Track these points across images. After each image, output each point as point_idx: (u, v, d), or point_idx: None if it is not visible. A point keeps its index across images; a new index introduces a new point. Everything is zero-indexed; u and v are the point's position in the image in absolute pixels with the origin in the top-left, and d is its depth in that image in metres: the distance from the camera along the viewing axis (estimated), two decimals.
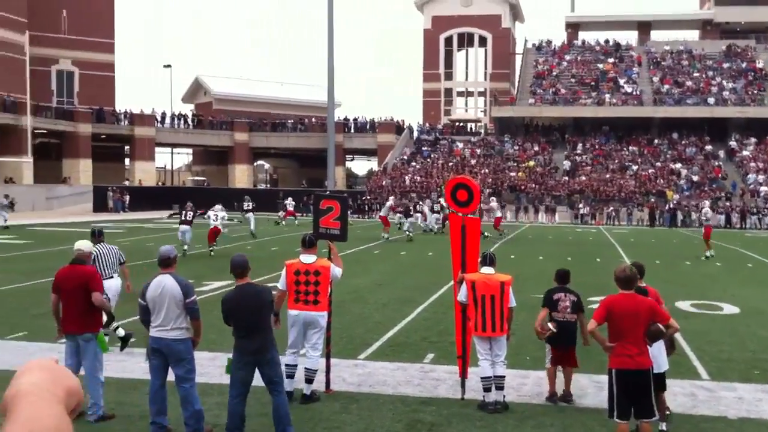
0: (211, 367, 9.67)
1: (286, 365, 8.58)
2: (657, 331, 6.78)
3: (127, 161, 73.21)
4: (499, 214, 35.41)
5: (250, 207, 33.82)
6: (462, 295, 8.55)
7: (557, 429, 7.86)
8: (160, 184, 73.85)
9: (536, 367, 10.16)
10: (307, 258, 8.62)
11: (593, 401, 8.74)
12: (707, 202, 40.39)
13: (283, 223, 42.21)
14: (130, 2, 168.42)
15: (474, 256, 8.90)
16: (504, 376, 8.45)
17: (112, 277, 11.00)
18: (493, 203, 36.24)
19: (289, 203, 44.14)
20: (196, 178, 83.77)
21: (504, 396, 8.45)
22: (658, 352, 7.51)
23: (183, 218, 24.82)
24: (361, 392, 8.91)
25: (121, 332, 10.08)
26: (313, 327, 8.53)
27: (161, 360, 7.27)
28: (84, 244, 8.29)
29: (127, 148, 71.36)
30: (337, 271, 8.84)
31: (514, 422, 8.01)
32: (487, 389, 8.40)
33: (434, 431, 7.70)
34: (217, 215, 25.40)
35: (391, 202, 36.76)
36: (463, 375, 8.82)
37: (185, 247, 24.04)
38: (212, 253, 24.17)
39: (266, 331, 7.18)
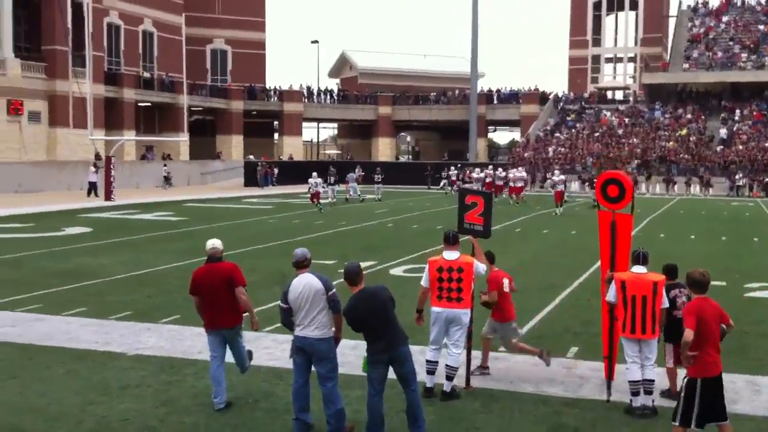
0: (352, 356, 9.80)
1: (428, 361, 8.59)
2: (724, 334, 6.80)
3: (276, 136, 75.53)
4: (521, 184, 38.64)
5: (332, 180, 37.83)
6: (611, 294, 8.23)
7: None
8: (308, 158, 75.75)
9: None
10: (450, 254, 8.55)
11: (752, 408, 8.26)
12: None
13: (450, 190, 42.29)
14: None
15: (624, 255, 8.55)
16: (653, 380, 8.11)
17: None
18: (518, 173, 39.40)
19: (452, 174, 45.65)
20: (336, 152, 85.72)
21: (653, 400, 8.12)
22: None
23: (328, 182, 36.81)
24: (502, 389, 8.79)
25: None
26: (456, 324, 8.48)
27: (305, 358, 7.42)
28: (217, 242, 8.39)
29: (276, 123, 73.58)
30: (480, 267, 8.74)
31: (663, 428, 7.68)
32: (635, 393, 8.09)
33: None
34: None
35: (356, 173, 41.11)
36: (609, 376, 8.54)
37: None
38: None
39: (393, 329, 7.15)
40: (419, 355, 9.11)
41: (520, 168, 42.68)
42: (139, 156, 58.40)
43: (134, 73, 59.35)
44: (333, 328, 7.47)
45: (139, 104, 58.95)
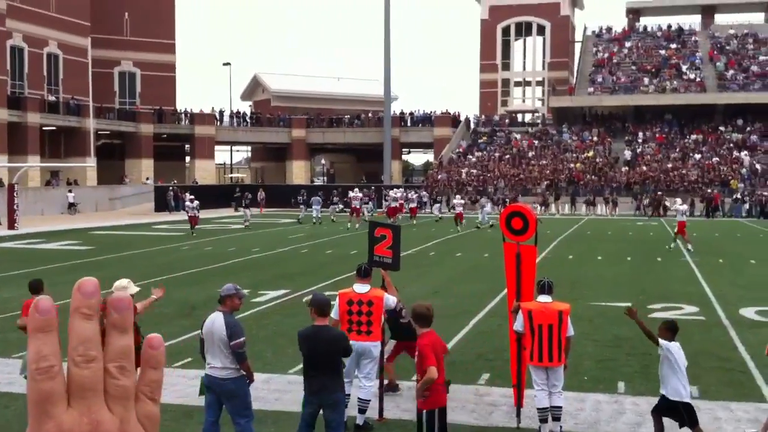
0: (265, 391, 9.68)
1: None
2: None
3: (187, 159, 74.42)
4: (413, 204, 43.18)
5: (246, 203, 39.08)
6: (518, 324, 8.38)
7: None
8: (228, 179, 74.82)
9: (595, 389, 9.95)
10: (361, 288, 8.58)
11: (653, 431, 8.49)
12: (678, 199, 38.72)
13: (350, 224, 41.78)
14: (189, 2, 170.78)
15: (530, 285, 8.73)
16: (561, 407, 8.27)
17: None
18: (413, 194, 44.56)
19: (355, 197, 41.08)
20: (242, 175, 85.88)
21: (561, 427, 8.28)
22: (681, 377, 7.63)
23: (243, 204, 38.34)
24: (412, 420, 8.81)
25: None
26: (366, 357, 8.50)
27: (215, 396, 7.30)
28: (125, 282, 8.21)
29: (187, 146, 72.52)
30: (390, 300, 8.79)
31: None
32: (543, 420, 8.24)
33: None
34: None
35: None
36: (518, 404, 8.67)
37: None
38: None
39: (334, 375, 7.14)
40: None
41: (416, 190, 48.76)
42: (44, 182, 56.58)
43: (39, 97, 57.56)
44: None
45: (44, 128, 57.16)
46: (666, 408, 7.66)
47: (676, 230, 27.66)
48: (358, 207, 38.41)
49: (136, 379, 0.81)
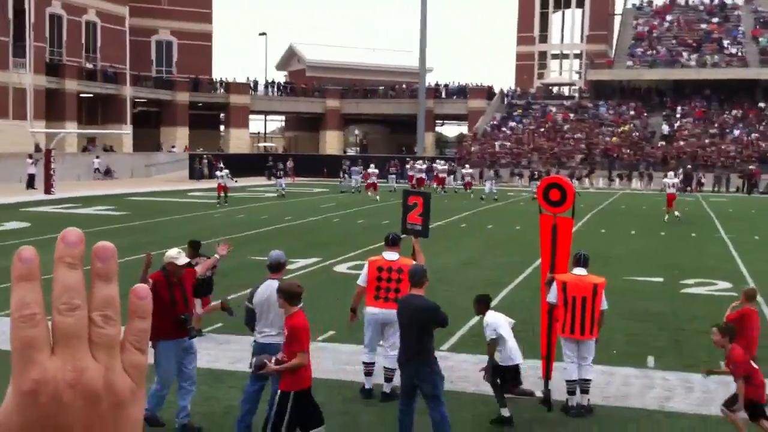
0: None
1: (364, 363, 8.61)
2: None
3: (222, 128, 74.82)
4: (443, 175, 43.67)
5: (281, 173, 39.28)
6: (552, 296, 8.33)
7: None
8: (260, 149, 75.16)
9: (624, 363, 9.90)
10: (391, 255, 8.59)
11: (684, 406, 8.44)
12: (671, 172, 37.31)
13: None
14: None
15: (564, 257, 8.67)
16: (590, 380, 8.24)
17: None
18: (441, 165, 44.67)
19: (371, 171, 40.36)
20: (272, 144, 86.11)
21: (588, 400, 8.25)
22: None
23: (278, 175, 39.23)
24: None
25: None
26: (391, 326, 8.51)
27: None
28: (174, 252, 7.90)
29: (222, 115, 72.87)
30: None
31: (598, 428, 7.82)
32: (571, 392, 8.22)
33: None
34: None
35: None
36: (547, 376, 8.65)
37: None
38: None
39: (427, 346, 7.07)
40: (357, 355, 9.15)
41: (442, 161, 47.53)
42: (81, 148, 57.26)
43: (77, 64, 58.10)
44: None
45: (82, 95, 57.74)
46: (501, 372, 7.93)
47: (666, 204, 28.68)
48: (374, 183, 38.68)
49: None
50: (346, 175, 44.86)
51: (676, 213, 28.09)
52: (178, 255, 7.52)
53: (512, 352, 7.84)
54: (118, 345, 0.78)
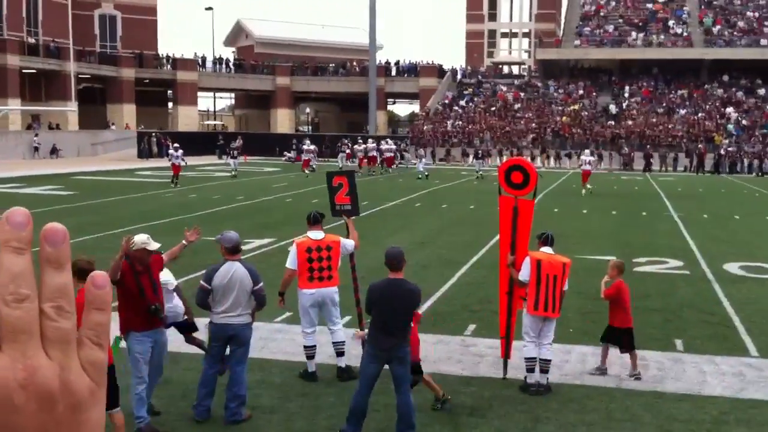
0: (252, 339, 9.63)
1: (306, 347, 8.57)
2: None
3: (170, 105, 73.61)
4: (390, 155, 44.02)
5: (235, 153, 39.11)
6: (525, 274, 8.24)
7: (600, 414, 7.71)
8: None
9: (581, 341, 9.99)
10: (316, 234, 8.58)
11: (639, 384, 8.55)
12: (587, 150, 39.66)
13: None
14: None
15: (525, 239, 8.68)
16: (550, 360, 8.29)
17: None
18: (388, 145, 45.05)
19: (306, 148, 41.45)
20: (218, 122, 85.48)
21: (547, 379, 8.30)
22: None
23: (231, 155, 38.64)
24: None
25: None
26: (331, 303, 8.56)
27: (222, 347, 7.35)
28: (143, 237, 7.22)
29: (170, 92, 71.64)
30: (349, 244, 8.77)
31: (557, 405, 7.88)
32: (530, 370, 8.27)
33: (474, 416, 7.61)
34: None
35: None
36: (506, 356, 8.68)
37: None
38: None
39: (406, 330, 6.97)
40: (298, 336, 9.09)
41: (389, 141, 47.90)
42: (26, 126, 55.78)
43: (18, 39, 56.43)
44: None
45: (24, 71, 56.17)
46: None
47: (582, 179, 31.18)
48: (308, 159, 40.36)
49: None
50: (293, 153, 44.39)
51: (589, 186, 30.79)
52: (148, 240, 7.05)
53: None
54: (74, 340, 0.70)
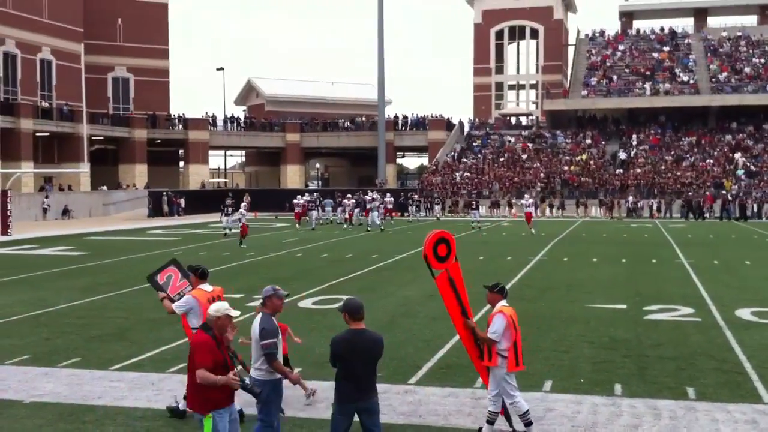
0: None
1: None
2: None
3: (181, 164, 74.37)
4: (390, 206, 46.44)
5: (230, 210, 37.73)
6: (502, 333, 8.12)
7: None
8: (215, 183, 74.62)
9: (591, 392, 9.90)
10: (207, 287, 9.05)
11: (649, 431, 8.44)
12: (526, 195, 43.42)
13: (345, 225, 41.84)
14: (183, 7, 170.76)
15: (466, 298, 8.64)
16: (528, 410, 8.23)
17: None
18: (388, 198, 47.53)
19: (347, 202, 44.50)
20: (222, 180, 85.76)
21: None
22: None
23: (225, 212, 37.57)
24: (411, 423, 8.75)
25: None
26: None
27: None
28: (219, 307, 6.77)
29: (181, 151, 72.47)
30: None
31: None
32: (528, 423, 8.15)
33: None
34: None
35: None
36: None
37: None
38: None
39: (373, 381, 6.88)
40: (327, 392, 9.01)
41: (389, 194, 50.32)
42: (38, 188, 56.41)
43: (32, 103, 57.45)
44: (271, 372, 7.26)
45: (37, 134, 57.04)
46: None
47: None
48: (299, 212, 42.02)
49: None
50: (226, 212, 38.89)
51: (532, 230, 34.19)
52: (229, 307, 6.65)
53: None
54: None
